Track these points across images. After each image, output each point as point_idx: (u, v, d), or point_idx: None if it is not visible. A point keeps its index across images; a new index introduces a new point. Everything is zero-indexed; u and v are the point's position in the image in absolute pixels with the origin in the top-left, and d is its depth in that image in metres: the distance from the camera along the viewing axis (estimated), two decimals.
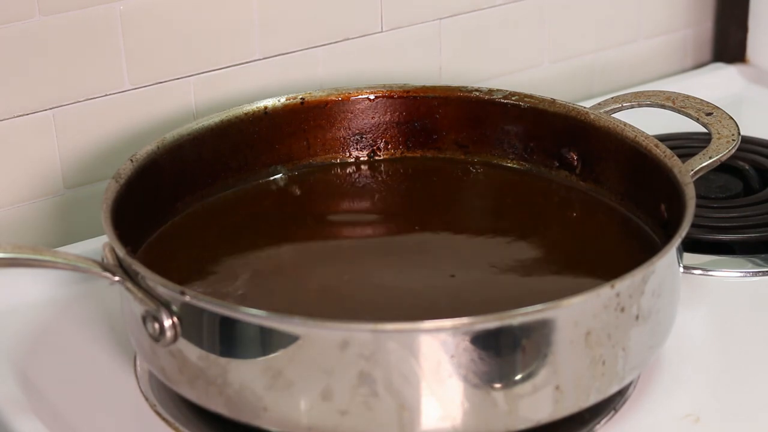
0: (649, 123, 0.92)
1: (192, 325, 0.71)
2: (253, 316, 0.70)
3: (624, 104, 0.92)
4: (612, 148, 0.89)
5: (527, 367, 0.69)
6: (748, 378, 0.81)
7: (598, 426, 0.76)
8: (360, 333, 0.67)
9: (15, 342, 0.86)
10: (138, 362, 0.82)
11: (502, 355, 0.69)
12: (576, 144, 0.92)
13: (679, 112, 0.90)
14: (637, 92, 0.94)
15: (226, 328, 0.70)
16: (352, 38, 1.05)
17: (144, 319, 0.72)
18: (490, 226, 0.89)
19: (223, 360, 0.70)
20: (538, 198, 0.90)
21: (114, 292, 0.77)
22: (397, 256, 0.85)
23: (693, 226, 0.76)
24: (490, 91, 0.94)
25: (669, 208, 0.82)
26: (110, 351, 0.84)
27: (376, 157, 0.96)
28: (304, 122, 0.94)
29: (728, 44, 1.32)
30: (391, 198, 0.92)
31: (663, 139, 0.88)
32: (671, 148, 0.85)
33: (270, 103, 0.92)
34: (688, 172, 0.82)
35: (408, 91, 0.96)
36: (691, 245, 0.91)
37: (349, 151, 0.96)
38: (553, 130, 0.92)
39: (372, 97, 0.95)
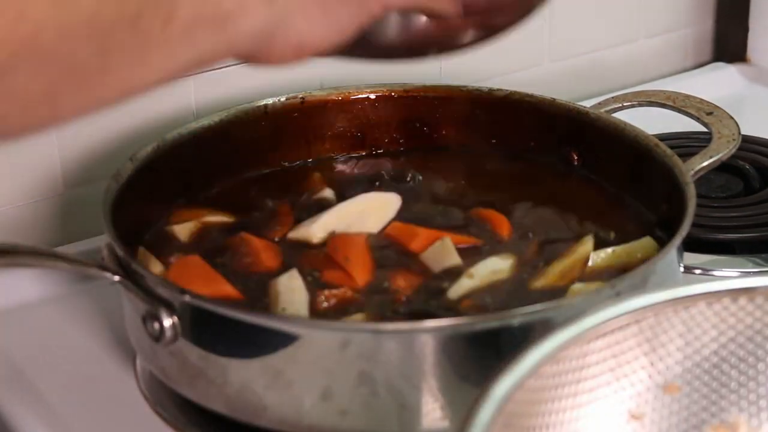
0: (650, 122, 0.92)
1: (192, 324, 0.71)
2: (253, 316, 0.70)
3: (624, 104, 0.92)
4: (612, 148, 0.89)
5: None
6: None
7: None
8: (360, 333, 0.67)
9: (15, 342, 0.86)
10: (138, 362, 0.82)
11: (503, 354, 0.68)
12: (576, 143, 0.92)
13: (679, 111, 0.90)
14: (638, 92, 0.94)
15: (226, 328, 0.70)
16: None
17: (144, 319, 0.72)
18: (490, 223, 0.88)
19: (223, 359, 0.70)
20: (538, 196, 0.90)
21: (114, 292, 0.77)
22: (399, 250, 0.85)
23: (693, 225, 0.76)
24: (491, 91, 0.94)
25: (669, 208, 0.82)
26: (110, 351, 0.84)
27: (376, 156, 0.96)
28: (304, 121, 0.94)
29: (729, 44, 1.32)
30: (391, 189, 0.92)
31: (663, 138, 0.88)
32: (671, 147, 0.85)
33: (270, 102, 0.92)
34: (688, 171, 0.82)
35: (408, 91, 0.96)
36: (691, 245, 0.91)
37: (349, 150, 0.96)
38: (553, 129, 0.93)
39: (372, 96, 0.95)
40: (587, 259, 0.80)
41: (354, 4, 0.58)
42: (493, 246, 0.82)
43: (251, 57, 0.55)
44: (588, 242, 0.81)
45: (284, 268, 0.79)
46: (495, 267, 0.79)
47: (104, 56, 0.44)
